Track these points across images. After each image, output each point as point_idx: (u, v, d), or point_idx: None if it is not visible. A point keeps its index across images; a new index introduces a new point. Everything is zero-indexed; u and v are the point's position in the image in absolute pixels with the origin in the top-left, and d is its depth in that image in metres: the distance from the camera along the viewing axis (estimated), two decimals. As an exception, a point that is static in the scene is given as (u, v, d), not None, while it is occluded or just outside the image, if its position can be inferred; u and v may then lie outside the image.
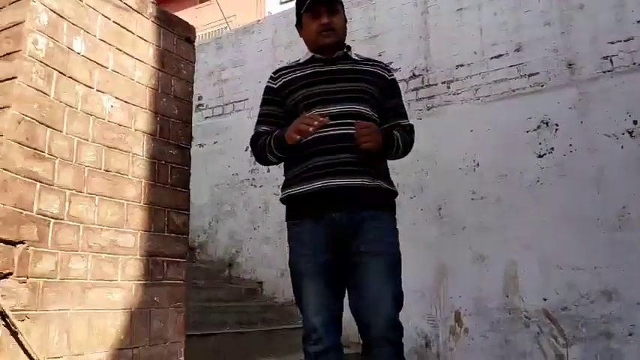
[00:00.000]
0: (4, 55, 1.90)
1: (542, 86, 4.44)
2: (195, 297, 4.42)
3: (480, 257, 4.45)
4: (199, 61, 5.39)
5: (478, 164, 4.61)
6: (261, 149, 2.10)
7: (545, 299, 4.14)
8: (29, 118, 1.87)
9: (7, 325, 1.73)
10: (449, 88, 4.87)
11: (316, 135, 1.91)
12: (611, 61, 4.19)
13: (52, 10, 2.00)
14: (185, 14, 16.81)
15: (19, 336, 1.75)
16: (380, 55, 5.22)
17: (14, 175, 1.80)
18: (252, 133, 2.20)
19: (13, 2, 1.96)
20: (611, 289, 3.91)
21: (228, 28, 14.84)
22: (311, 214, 1.99)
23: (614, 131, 4.09)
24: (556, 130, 4.32)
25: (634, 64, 4.11)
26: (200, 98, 6.32)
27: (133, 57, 2.41)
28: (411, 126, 2.21)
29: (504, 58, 4.65)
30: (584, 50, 4.31)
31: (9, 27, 1.94)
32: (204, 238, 6.07)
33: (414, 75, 5.07)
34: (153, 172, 2.41)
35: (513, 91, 4.56)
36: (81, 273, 2.03)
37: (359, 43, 5.35)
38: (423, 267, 4.64)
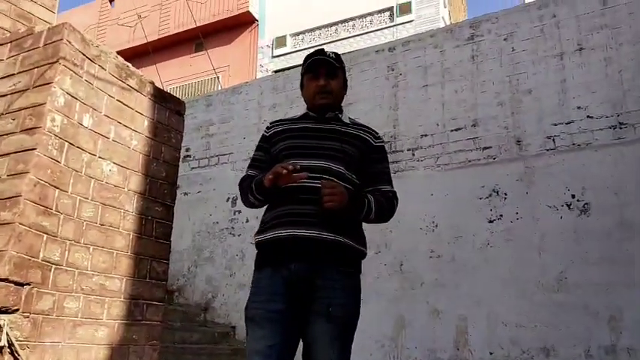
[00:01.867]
0: (26, 130, 2.34)
1: (494, 159, 4.97)
2: (170, 338, 4.74)
3: (435, 311, 4.85)
4: (189, 115, 5.91)
5: (437, 225, 5.07)
6: (245, 190, 2.16)
7: (491, 353, 4.52)
8: (43, 182, 2.30)
9: (12, 353, 2.10)
10: (414, 155, 5.38)
11: (290, 185, 1.95)
12: (553, 140, 4.74)
13: (68, 93, 2.46)
14: (181, 62, 17.47)
15: (21, 362, 2.12)
16: (354, 121, 5.75)
17: (27, 228, 2.21)
18: (237, 183, 2.30)
19: (37, 86, 2.42)
20: (549, 346, 4.32)
21: (219, 79, 15.45)
22: (271, 263, 2.00)
23: (554, 203, 4.59)
24: (505, 198, 4.81)
25: (573, 144, 4.65)
26: (188, 150, 6.78)
27: (130, 128, 2.86)
28: (394, 192, 2.19)
29: (462, 131, 5.18)
30: (531, 129, 4.86)
31: (32, 107, 2.39)
32: (182, 282, 6.40)
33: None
34: (140, 226, 2.82)
35: (469, 161, 5.08)
36: (73, 311, 2.41)
37: (335, 110, 5.90)
38: (383, 318, 5.03)
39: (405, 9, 15.23)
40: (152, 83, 3.06)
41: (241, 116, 6.68)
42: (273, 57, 16.28)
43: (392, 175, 5.33)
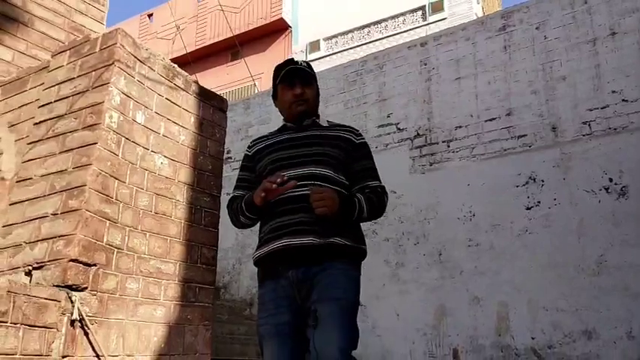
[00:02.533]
0: (88, 126, 2.58)
1: (529, 147, 5.01)
2: (219, 330, 4.95)
3: (475, 299, 4.92)
4: (229, 118, 6.14)
5: (474, 215, 5.14)
6: (234, 212, 2.19)
7: (533, 338, 4.56)
8: (104, 173, 2.53)
9: (82, 327, 2.32)
10: (449, 146, 5.47)
11: (280, 197, 1.98)
12: (589, 125, 4.76)
13: (123, 93, 2.69)
14: (218, 71, 17.92)
15: (90, 335, 2.34)
16: (388, 117, 5.90)
17: (92, 214, 2.44)
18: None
19: (95, 87, 2.66)
20: (590, 329, 4.33)
21: (256, 85, 15.78)
22: (270, 276, 2.04)
23: (592, 187, 4.61)
24: (542, 185, 4.85)
25: (609, 128, 4.66)
26: (229, 152, 7.04)
27: (178, 124, 3.08)
28: (382, 187, 2.20)
29: (497, 121, 5.25)
30: (566, 116, 4.89)
31: (91, 105, 2.63)
32: (228, 279, 6.64)
33: (418, 134, 5.69)
34: (190, 215, 3.03)
35: (505, 150, 5.13)
36: (134, 292, 2.63)
37: (370, 106, 6.05)
38: (424, 307, 5.13)
39: (438, 7, 15.22)
40: (197, 82, 3.28)
41: (278, 117, 6.84)
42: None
43: (428, 167, 5.42)
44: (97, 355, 2.36)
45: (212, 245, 3.14)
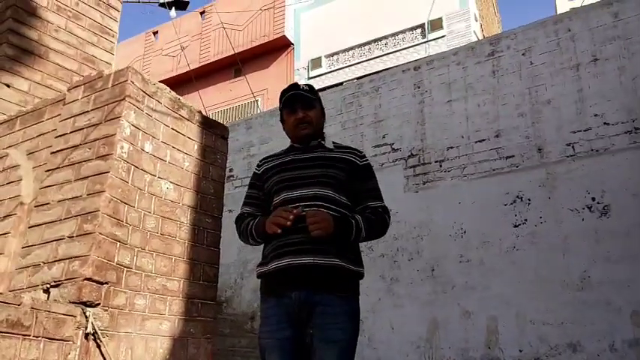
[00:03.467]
0: (101, 156, 2.84)
1: (517, 167, 5.25)
2: (221, 344, 5.19)
3: (466, 312, 5.13)
4: (231, 138, 6.41)
5: (465, 232, 5.37)
6: (244, 232, 2.28)
7: (520, 350, 4.77)
8: (115, 199, 2.78)
9: (95, 339, 2.56)
10: (441, 166, 5.71)
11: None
12: (573, 147, 4.99)
13: (133, 125, 2.96)
14: (221, 87, 18.24)
15: (102, 348, 2.58)
16: (384, 137, 6.15)
17: (105, 237, 2.69)
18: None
19: (108, 120, 2.92)
20: (575, 342, 4.54)
21: (257, 102, 16.08)
22: (274, 293, 2.10)
23: (576, 206, 4.84)
24: (529, 204, 5.08)
25: (592, 150, 4.90)
26: (231, 170, 7.30)
27: (182, 152, 3.34)
28: (384, 207, 2.25)
29: (486, 142, 5.49)
30: (551, 137, 5.13)
31: (104, 137, 2.89)
32: (230, 293, 6.87)
33: (412, 154, 5.94)
34: (194, 235, 3.28)
35: (494, 170, 5.37)
36: (142, 307, 2.87)
37: (367, 127, 6.31)
38: (418, 321, 5.34)
39: (437, 25, 15.54)
40: (200, 112, 3.54)
41: (280, 136, 7.09)
42: (309, 78, 16.82)
43: (421, 186, 5.64)
44: (108, 366, 2.59)
45: (214, 263, 3.38)
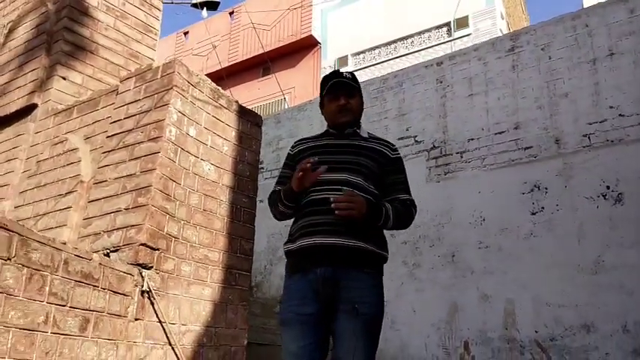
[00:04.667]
0: (152, 139, 3.20)
1: (535, 157, 5.48)
2: (253, 322, 5.52)
3: (484, 296, 5.38)
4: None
5: (484, 219, 5.62)
6: (274, 202, 2.34)
7: (536, 331, 5.00)
8: (165, 176, 3.14)
9: (149, 297, 2.92)
10: (462, 157, 5.97)
11: (312, 197, 2.14)
12: (589, 138, 5.20)
13: (179, 112, 3.31)
14: (250, 86, 18.68)
15: (155, 305, 2.94)
16: (407, 130, 6.43)
17: (156, 209, 3.05)
18: None
19: (157, 107, 3.29)
20: (589, 323, 4.76)
21: (285, 100, 16.46)
22: (299, 269, 2.13)
23: (591, 194, 5.05)
24: (546, 192, 5.31)
25: (607, 140, 5.10)
26: (261, 163, 7.65)
27: (222, 137, 3.69)
28: (411, 200, 2.29)
29: (506, 134, 5.73)
30: (568, 129, 5.35)
31: (155, 122, 3.25)
32: (260, 279, 7.23)
33: (434, 146, 6.21)
34: (232, 212, 3.62)
35: (512, 160, 5.61)
36: (187, 273, 3.22)
37: (391, 120, 6.60)
38: (438, 304, 5.61)
39: (463, 23, 15.68)
40: (237, 102, 3.89)
41: (306, 131, 7.48)
42: (335, 77, 17.06)
43: (443, 176, 5.91)
44: (160, 321, 2.95)
45: (249, 238, 3.72)
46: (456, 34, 15.71)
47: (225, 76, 16.63)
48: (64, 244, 2.35)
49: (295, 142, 2.50)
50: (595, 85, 5.29)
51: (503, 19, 15.76)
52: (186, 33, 21.17)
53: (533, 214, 5.34)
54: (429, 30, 16.43)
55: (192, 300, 3.22)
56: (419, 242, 5.98)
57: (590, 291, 4.82)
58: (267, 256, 7.26)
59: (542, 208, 5.29)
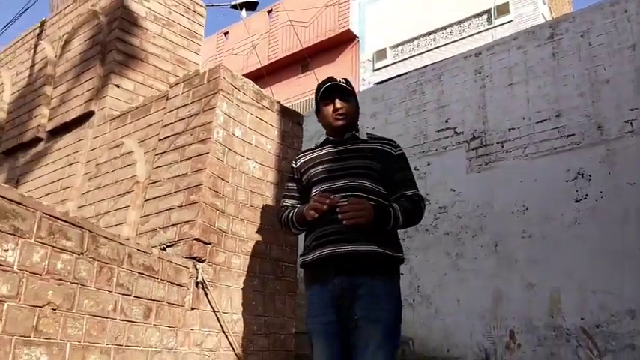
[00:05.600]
0: (201, 141, 3.42)
1: (577, 145, 5.45)
2: (299, 312, 5.73)
3: (529, 285, 5.41)
4: (302, 128, 6.96)
5: (527, 208, 5.63)
6: (284, 222, 2.42)
7: (582, 318, 5.01)
8: (214, 175, 3.35)
9: (203, 288, 3.13)
10: (502, 147, 5.99)
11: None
12: (631, 124, 5.15)
13: (225, 114, 3.52)
14: (290, 83, 18.92)
15: (209, 295, 3.15)
16: (446, 122, 6.49)
17: (207, 206, 3.26)
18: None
19: (205, 110, 3.50)
20: (634, 308, 4.73)
21: (326, 96, 16.59)
22: (317, 280, 2.19)
23: (635, 180, 5.00)
24: (589, 180, 5.28)
25: (651, 125, 5.05)
26: (303, 158, 7.85)
27: (265, 136, 3.88)
28: (419, 196, 2.31)
29: (547, 123, 5.72)
30: (610, 115, 5.30)
31: (203, 125, 3.47)
32: (305, 272, 7.42)
33: (474, 137, 6.24)
34: (276, 208, 3.81)
35: (555, 149, 5.60)
36: (237, 265, 3.43)
37: (430, 113, 6.66)
38: (482, 294, 5.67)
39: (503, 10, 15.42)
40: (278, 102, 4.07)
41: (347, 125, 7.61)
42: (375, 70, 17.13)
43: (484, 167, 5.94)
44: (214, 310, 3.17)
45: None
46: (497, 22, 15.47)
47: (265, 74, 16.92)
48: (127, 239, 2.58)
49: (297, 156, 2.57)
50: (635, 70, 5.22)
51: (545, 4, 15.41)
52: (226, 33, 21.58)
53: (577, 201, 5.32)
54: (468, 19, 16.24)
55: (242, 290, 3.42)
56: (461, 233, 6.04)
57: (636, 277, 4.79)
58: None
59: (586, 195, 5.27)
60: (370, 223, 2.09)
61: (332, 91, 2.36)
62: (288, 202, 2.47)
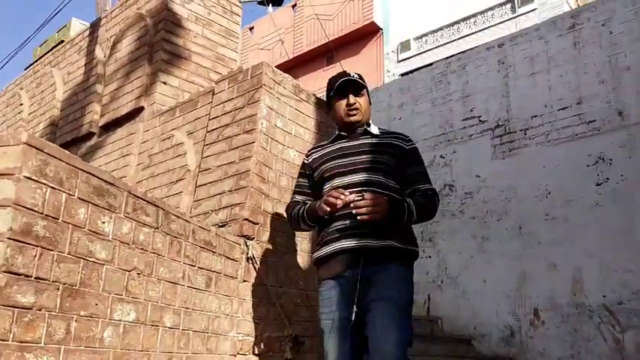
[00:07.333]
0: (247, 131, 3.77)
1: (598, 130, 5.67)
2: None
3: (552, 265, 5.66)
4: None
5: (549, 192, 5.87)
6: (295, 217, 2.42)
7: (604, 296, 5.25)
8: (260, 162, 3.71)
9: (252, 263, 3.50)
10: (525, 134, 6.22)
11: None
12: (651, 108, 5.36)
13: (268, 107, 3.86)
14: (315, 75, 19.23)
15: (257, 269, 3.51)
16: (471, 111, 6.74)
17: (254, 189, 3.62)
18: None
19: (250, 104, 3.85)
20: (655, 286, 4.96)
21: (351, 88, 16.88)
22: (329, 275, 2.20)
23: (655, 163, 5.22)
24: (610, 164, 5.50)
25: (671, 110, 5.24)
26: (333, 148, 8.17)
27: (303, 126, 4.22)
28: (433, 190, 2.29)
29: (569, 110, 5.94)
30: (631, 101, 5.50)
31: (248, 117, 3.82)
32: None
33: (498, 125, 6.49)
34: (315, 192, 4.15)
35: (576, 135, 5.82)
36: (281, 244, 3.78)
37: (455, 102, 6.92)
38: (507, 274, 5.94)
39: (527, -2, 15.45)
40: (314, 95, 4.40)
41: (374, 117, 7.90)
42: (399, 61, 17.30)
43: (507, 153, 6.19)
44: (262, 283, 3.53)
45: (331, 214, 4.24)
46: (521, 10, 15.52)
47: (291, 67, 17.24)
48: (192, 217, 2.95)
49: (309, 151, 2.60)
50: (657, 56, 5.41)
51: (569, -9, 15.36)
52: (251, 28, 21.95)
53: (598, 184, 5.54)
54: (492, 8, 16.30)
55: (286, 266, 3.77)
56: (487, 217, 6.30)
57: (656, 256, 5.01)
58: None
59: (607, 179, 5.49)
60: (385, 217, 2.08)
61: (345, 86, 2.37)
62: (298, 197, 2.49)
